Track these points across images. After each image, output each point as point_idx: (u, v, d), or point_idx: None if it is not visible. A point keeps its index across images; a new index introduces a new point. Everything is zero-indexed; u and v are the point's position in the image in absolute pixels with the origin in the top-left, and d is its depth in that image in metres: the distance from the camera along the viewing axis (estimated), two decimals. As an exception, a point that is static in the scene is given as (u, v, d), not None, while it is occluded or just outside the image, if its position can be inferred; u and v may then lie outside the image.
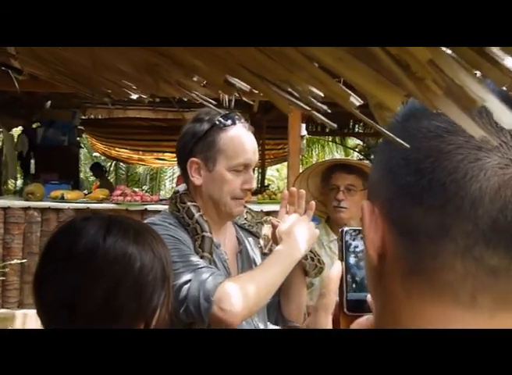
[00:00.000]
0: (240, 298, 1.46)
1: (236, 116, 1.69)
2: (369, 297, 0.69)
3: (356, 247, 0.76)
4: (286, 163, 8.68)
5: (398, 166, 0.52)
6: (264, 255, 1.74)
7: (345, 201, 2.48)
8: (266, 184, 9.69)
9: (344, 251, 0.75)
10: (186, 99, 1.11)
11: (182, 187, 1.81)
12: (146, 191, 13.49)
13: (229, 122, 1.67)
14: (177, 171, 16.20)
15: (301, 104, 0.47)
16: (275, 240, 1.70)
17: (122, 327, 0.98)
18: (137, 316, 1.00)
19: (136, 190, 7.00)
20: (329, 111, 0.50)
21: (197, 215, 1.70)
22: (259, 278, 1.54)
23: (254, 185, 1.73)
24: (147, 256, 1.02)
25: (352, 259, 0.75)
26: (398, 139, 0.45)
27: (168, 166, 14.00)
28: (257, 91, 0.57)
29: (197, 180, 1.71)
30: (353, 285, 0.74)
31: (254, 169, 1.77)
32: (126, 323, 0.98)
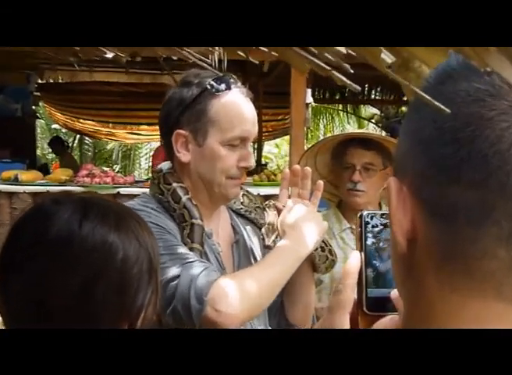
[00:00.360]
0: (238, 299, 1.47)
1: (232, 80, 1.67)
2: (393, 293, 0.70)
3: (378, 233, 0.76)
4: (287, 137, 8.62)
5: (431, 136, 0.53)
6: (266, 248, 1.74)
7: (362, 183, 2.46)
8: (264, 163, 9.69)
9: (364, 240, 0.75)
10: (175, 58, 1.10)
11: (166, 165, 1.79)
12: (118, 172, 13.07)
13: (223, 86, 1.66)
14: (155, 148, 15.71)
15: (320, 62, 0.48)
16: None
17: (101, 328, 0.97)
18: (120, 316, 1.01)
19: (107, 170, 6.98)
20: (352, 71, 0.52)
21: (184, 198, 1.69)
22: (261, 276, 1.54)
23: (253, 162, 1.72)
24: (132, 246, 1.02)
25: (373, 248, 0.75)
26: (437, 103, 0.47)
27: (144, 141, 13.67)
28: (266, 48, 0.57)
29: (184, 156, 1.70)
30: (375, 279, 0.74)
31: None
32: (106, 324, 0.99)
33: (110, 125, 10.87)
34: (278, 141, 14.59)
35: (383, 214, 0.76)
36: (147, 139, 12.27)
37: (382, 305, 0.73)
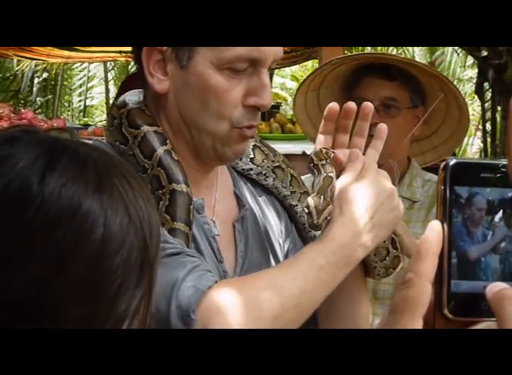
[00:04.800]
0: (244, 320, 0.99)
1: None
2: (490, 289, 0.51)
3: (472, 197, 0.53)
4: (312, 63, 6.59)
5: None
6: (314, 228, 1.13)
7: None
8: (274, 103, 6.65)
9: (449, 205, 0.53)
10: None
11: (133, 97, 1.26)
12: (36, 112, 8.82)
13: None
14: (95, 73, 10.60)
15: None
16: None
17: None
18: (89, 327, 0.70)
19: (20, 109, 5.05)
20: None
21: (160, 150, 1.17)
22: (284, 283, 1.04)
23: (269, 100, 1.18)
24: (118, 219, 0.71)
25: (464, 220, 0.53)
26: None
27: (79, 61, 9.02)
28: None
29: (158, 82, 1.17)
30: (463, 267, 0.54)
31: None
32: None
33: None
34: (296, 69, 10.54)
35: (491, 165, 0.54)
36: (80, 58, 7.61)
37: (473, 307, 0.53)
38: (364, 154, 1.20)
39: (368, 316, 1.30)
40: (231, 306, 0.99)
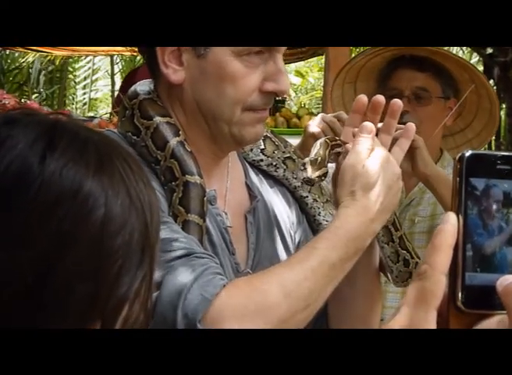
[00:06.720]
0: (253, 326, 0.99)
1: None
2: (500, 283, 0.52)
3: (488, 189, 0.53)
4: (316, 59, 6.50)
5: None
6: (306, 182, 1.15)
7: (411, 115, 1.84)
8: (280, 98, 7.22)
9: (464, 197, 0.53)
10: None
11: (145, 87, 1.24)
12: (42, 103, 8.89)
13: None
14: (99, 66, 10.75)
15: None
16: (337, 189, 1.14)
17: (61, 327, 0.68)
18: (89, 309, 0.69)
19: (26, 100, 5.05)
20: None
21: (173, 141, 1.16)
22: (293, 285, 1.02)
23: (287, 85, 1.19)
24: (119, 201, 0.70)
25: (479, 212, 0.53)
26: None
27: (82, 54, 9.22)
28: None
29: (174, 73, 1.16)
30: (477, 260, 0.53)
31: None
32: (68, 321, 0.69)
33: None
34: (301, 65, 10.60)
35: (507, 157, 0.54)
36: (88, 51, 7.87)
37: (487, 299, 0.53)
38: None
39: (380, 313, 1.30)
40: (237, 315, 0.99)
